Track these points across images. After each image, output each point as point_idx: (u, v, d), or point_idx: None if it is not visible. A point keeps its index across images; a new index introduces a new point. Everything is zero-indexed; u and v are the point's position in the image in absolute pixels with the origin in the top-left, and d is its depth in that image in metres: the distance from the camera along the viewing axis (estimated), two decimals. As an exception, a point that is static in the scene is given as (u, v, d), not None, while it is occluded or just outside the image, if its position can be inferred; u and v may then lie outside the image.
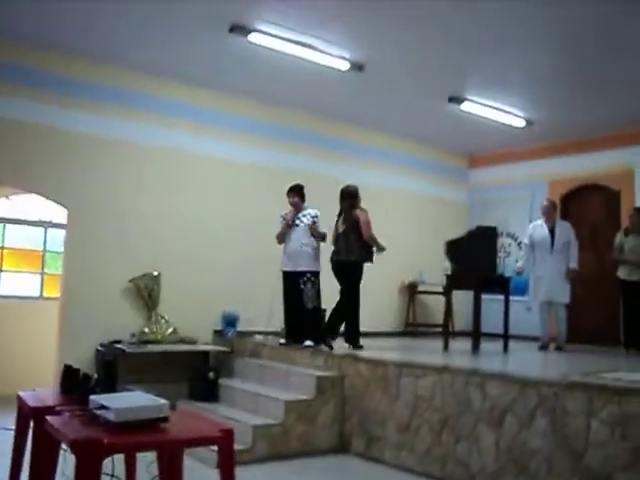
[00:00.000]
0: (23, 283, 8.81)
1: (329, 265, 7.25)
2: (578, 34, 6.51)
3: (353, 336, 7.14)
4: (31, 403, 3.62)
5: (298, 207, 7.40)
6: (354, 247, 7.06)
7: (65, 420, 3.03)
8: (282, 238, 7.40)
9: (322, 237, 7.33)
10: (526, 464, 4.77)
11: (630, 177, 9.48)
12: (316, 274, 7.25)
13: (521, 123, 9.40)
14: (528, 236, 8.45)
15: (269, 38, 6.83)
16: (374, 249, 7.18)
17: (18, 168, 7.17)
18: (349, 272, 7.13)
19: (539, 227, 8.32)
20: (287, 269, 7.31)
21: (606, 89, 8.01)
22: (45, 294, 8.83)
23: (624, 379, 4.77)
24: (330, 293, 7.30)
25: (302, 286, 7.18)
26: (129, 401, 2.99)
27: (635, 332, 8.15)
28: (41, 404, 3.56)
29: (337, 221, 7.38)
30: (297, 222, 7.33)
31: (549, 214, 8.25)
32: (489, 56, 7.17)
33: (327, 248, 7.37)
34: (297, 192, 7.43)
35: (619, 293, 8.51)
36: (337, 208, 7.41)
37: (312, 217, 7.31)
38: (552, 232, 8.16)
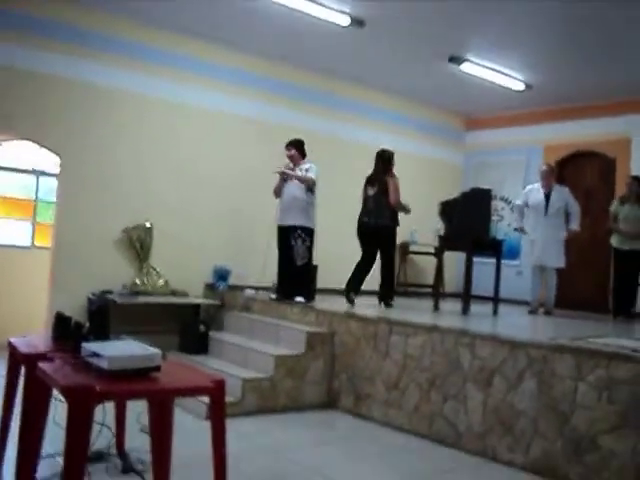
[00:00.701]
0: (15, 232, 8.75)
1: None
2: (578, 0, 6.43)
3: (388, 295, 7.40)
4: (23, 349, 3.61)
5: (295, 160, 7.35)
6: (385, 211, 7.17)
7: (57, 367, 3.02)
8: (278, 192, 7.38)
9: (309, 180, 7.20)
10: (512, 425, 4.82)
11: (626, 145, 9.47)
12: (307, 230, 7.22)
13: (520, 86, 9.32)
14: (523, 197, 8.47)
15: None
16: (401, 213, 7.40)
17: (10, 114, 7.07)
18: (383, 236, 7.30)
19: (535, 191, 8.32)
20: (279, 223, 7.30)
21: (607, 57, 7.95)
22: (37, 243, 8.79)
23: (613, 344, 4.81)
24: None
25: (292, 242, 7.17)
26: (121, 349, 2.99)
27: (624, 300, 8.21)
28: (33, 350, 3.54)
29: (366, 184, 7.44)
30: (286, 176, 7.29)
31: (547, 178, 8.25)
32: (492, 16, 7.07)
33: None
34: (294, 145, 7.38)
35: (611, 261, 8.55)
36: (331, 164, 7.43)
37: (305, 170, 7.26)
38: (548, 197, 8.16)
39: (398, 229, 7.39)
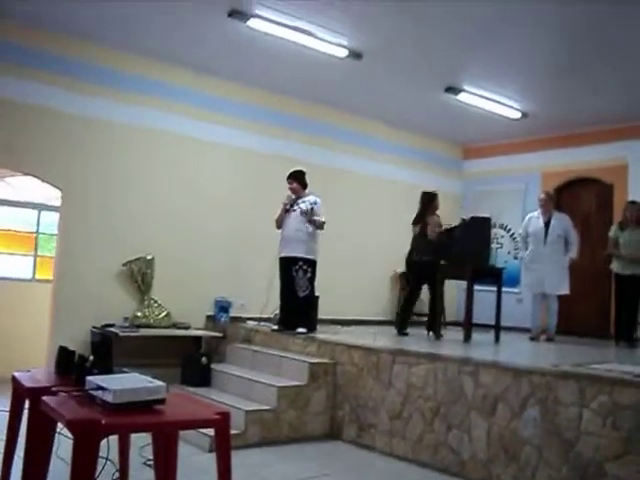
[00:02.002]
0: (16, 265, 8.76)
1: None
2: (573, 29, 6.54)
3: (437, 325, 7.70)
4: (27, 384, 3.61)
5: (297, 192, 7.38)
6: (428, 248, 7.51)
7: (62, 400, 3.02)
8: (280, 223, 7.38)
9: (319, 225, 7.27)
10: (517, 453, 4.80)
11: (623, 171, 9.52)
12: (309, 262, 7.22)
13: (516, 115, 9.41)
14: (523, 227, 8.52)
15: (268, 24, 6.80)
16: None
17: (12, 149, 7.12)
18: (430, 270, 7.58)
19: (535, 219, 8.39)
20: (282, 255, 7.30)
21: (601, 84, 8.03)
22: (38, 276, 8.80)
23: (616, 370, 4.80)
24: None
25: (294, 273, 7.19)
26: (126, 382, 2.99)
27: (626, 325, 8.20)
28: (37, 385, 3.54)
29: (412, 224, 7.89)
30: (295, 208, 7.31)
31: (545, 206, 8.32)
32: (487, 46, 7.16)
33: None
34: (295, 177, 7.39)
35: (612, 286, 8.55)
36: (329, 195, 7.47)
37: (311, 204, 7.28)
38: (547, 224, 8.21)
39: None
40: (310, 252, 7.25)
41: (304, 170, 7.50)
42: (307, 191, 7.44)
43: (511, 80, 8.21)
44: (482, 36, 6.86)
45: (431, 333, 7.81)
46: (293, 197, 7.36)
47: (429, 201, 7.93)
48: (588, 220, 9.83)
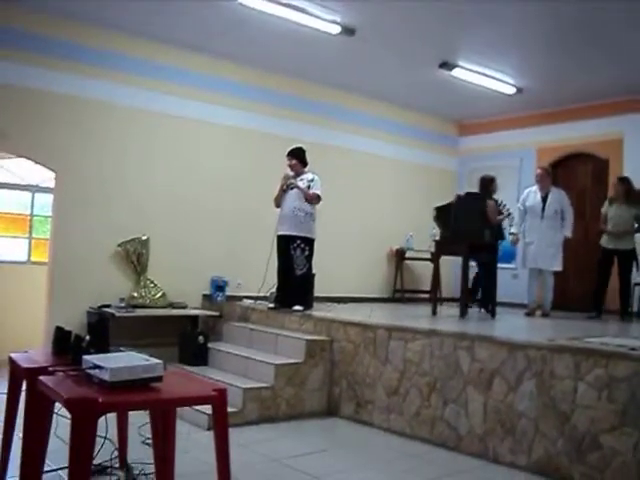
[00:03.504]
0: (11, 248, 8.75)
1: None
2: (568, 3, 6.46)
3: (492, 304, 7.78)
4: (24, 364, 3.61)
5: (296, 170, 7.35)
6: (485, 230, 7.47)
7: (59, 380, 3.03)
8: (278, 202, 7.36)
9: (315, 198, 7.23)
10: (513, 426, 4.84)
11: (619, 146, 9.50)
12: (307, 240, 7.21)
13: (511, 90, 9.37)
14: (522, 202, 8.51)
15: (260, 0, 6.73)
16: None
17: (5, 131, 7.07)
18: (488, 251, 7.71)
19: (532, 193, 8.39)
20: (279, 233, 7.28)
21: (597, 58, 7.97)
22: (33, 258, 8.79)
23: (610, 343, 4.84)
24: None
25: (292, 252, 7.19)
26: (123, 361, 2.99)
27: (620, 300, 8.18)
28: (34, 365, 3.55)
29: None
30: (293, 186, 7.28)
31: (542, 182, 8.32)
32: (481, 21, 7.09)
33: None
34: (294, 155, 7.35)
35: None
36: (323, 173, 7.45)
37: (308, 181, 7.25)
38: (544, 199, 8.21)
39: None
40: (308, 231, 7.24)
41: (304, 148, 7.46)
42: (306, 169, 7.41)
43: (506, 55, 8.16)
44: (476, 11, 6.80)
45: (482, 310, 8.09)
46: (291, 174, 7.33)
47: (485, 186, 8.15)
48: (583, 195, 9.83)
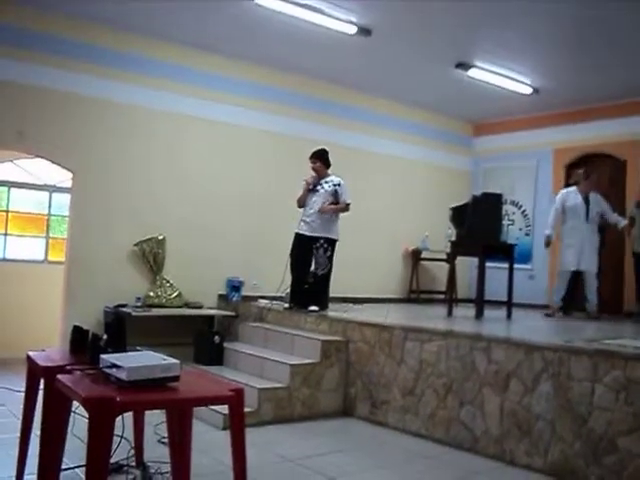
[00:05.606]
0: (28, 247, 8.81)
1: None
2: (586, 1, 6.43)
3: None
4: (42, 363, 3.64)
5: (320, 172, 7.34)
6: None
7: (77, 378, 3.05)
8: (302, 202, 7.34)
9: (344, 208, 7.26)
10: (530, 428, 4.82)
11: (637, 147, 9.40)
12: (330, 241, 7.21)
13: (528, 90, 9.31)
14: (560, 202, 8.38)
15: (277, 1, 6.74)
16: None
17: (23, 131, 7.11)
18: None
19: (572, 194, 8.28)
20: (302, 232, 7.25)
21: (614, 58, 7.91)
22: (50, 258, 8.85)
23: (629, 345, 4.80)
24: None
25: (315, 251, 7.18)
26: (140, 360, 3.01)
27: None
28: (52, 363, 3.58)
29: None
30: (318, 187, 7.27)
31: (590, 185, 8.26)
32: (498, 21, 7.06)
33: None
34: (318, 157, 7.32)
35: (625, 264, 8.51)
36: (340, 173, 7.43)
37: (334, 185, 7.23)
38: (586, 201, 8.15)
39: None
40: (332, 232, 7.25)
41: (327, 149, 7.44)
42: (329, 171, 7.40)
43: (522, 55, 8.11)
44: (493, 11, 6.77)
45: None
46: (316, 177, 7.32)
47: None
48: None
